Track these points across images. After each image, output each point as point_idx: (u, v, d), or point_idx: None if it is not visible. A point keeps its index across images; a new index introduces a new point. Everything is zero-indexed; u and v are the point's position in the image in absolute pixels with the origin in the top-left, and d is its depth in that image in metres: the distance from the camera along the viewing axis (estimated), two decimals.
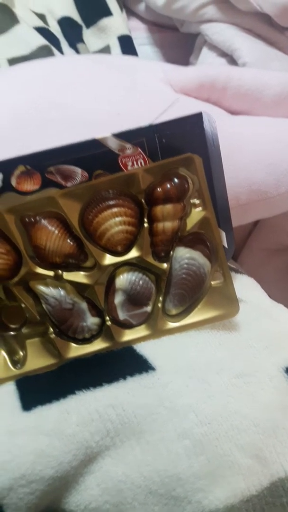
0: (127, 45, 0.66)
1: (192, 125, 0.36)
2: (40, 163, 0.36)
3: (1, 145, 0.40)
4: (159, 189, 0.35)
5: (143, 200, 0.35)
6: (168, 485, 0.30)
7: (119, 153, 0.37)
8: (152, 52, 0.69)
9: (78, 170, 0.37)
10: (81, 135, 0.38)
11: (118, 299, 0.36)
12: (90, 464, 0.32)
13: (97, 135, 0.36)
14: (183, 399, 0.32)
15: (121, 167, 0.37)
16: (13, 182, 0.37)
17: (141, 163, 0.37)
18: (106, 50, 0.66)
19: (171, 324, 0.35)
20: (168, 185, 0.35)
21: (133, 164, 0.37)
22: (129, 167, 0.37)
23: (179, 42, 0.69)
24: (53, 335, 0.36)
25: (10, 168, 0.36)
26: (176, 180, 0.35)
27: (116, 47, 0.66)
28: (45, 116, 0.40)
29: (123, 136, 0.36)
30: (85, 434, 0.31)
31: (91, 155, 0.37)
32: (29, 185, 0.37)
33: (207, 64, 0.59)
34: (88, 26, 0.67)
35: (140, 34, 0.70)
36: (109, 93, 0.41)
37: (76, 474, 0.31)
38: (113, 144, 0.36)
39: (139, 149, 0.37)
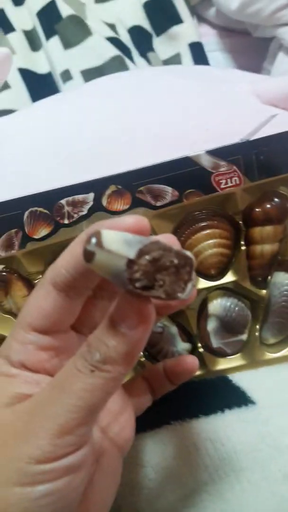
0: (198, 52, 0.64)
1: None
2: (131, 182, 0.36)
3: (87, 162, 0.39)
4: (258, 209, 0.33)
5: (240, 221, 0.34)
6: None
7: (212, 171, 0.35)
8: (223, 58, 0.67)
9: (169, 189, 0.36)
10: (169, 152, 0.36)
11: (211, 325, 0.34)
12: (186, 498, 0.30)
13: (190, 152, 0.35)
14: (287, 437, 0.30)
15: (213, 185, 0.35)
16: (104, 201, 0.36)
17: (235, 181, 0.35)
18: (176, 57, 0.65)
19: (269, 354, 0.33)
20: (268, 205, 0.33)
21: (227, 182, 0.35)
22: (222, 185, 0.35)
23: (251, 47, 0.67)
24: (143, 359, 0.35)
25: (101, 187, 0.36)
26: (276, 199, 0.33)
27: (187, 54, 0.64)
28: (131, 132, 0.39)
29: (217, 153, 0.35)
30: (182, 467, 0.30)
31: (182, 173, 0.35)
32: (119, 205, 0.36)
33: (285, 70, 0.57)
34: (158, 34, 0.65)
35: (210, 40, 0.68)
36: (197, 107, 0.40)
37: (171, 508, 0.30)
38: (207, 162, 0.35)
39: (234, 167, 0.35)
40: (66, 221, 0.37)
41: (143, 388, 0.29)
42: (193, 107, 0.40)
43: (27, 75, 0.63)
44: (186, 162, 0.35)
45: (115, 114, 0.40)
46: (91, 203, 0.36)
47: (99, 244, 0.17)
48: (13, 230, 0.37)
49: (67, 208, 0.37)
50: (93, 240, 0.17)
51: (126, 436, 0.26)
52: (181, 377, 0.29)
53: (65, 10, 0.63)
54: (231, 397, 0.32)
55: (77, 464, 0.19)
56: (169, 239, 0.21)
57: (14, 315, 0.36)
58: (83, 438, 0.19)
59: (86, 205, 0.36)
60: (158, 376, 0.29)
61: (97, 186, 0.36)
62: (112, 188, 0.36)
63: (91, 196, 0.36)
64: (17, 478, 0.18)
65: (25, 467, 0.18)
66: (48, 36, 0.63)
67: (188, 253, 0.18)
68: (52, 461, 0.18)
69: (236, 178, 0.35)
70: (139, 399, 0.28)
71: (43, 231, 0.37)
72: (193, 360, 0.28)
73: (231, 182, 0.35)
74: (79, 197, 0.36)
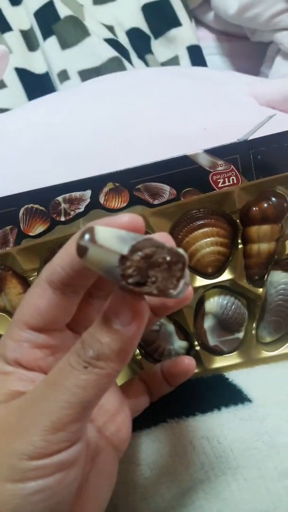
0: (196, 55, 0.65)
1: None
2: (129, 180, 0.36)
3: (85, 160, 0.39)
4: (255, 208, 0.33)
5: (237, 220, 0.34)
6: None
7: (210, 170, 0.35)
8: (221, 62, 0.68)
9: (167, 188, 0.36)
10: (166, 151, 0.37)
11: (208, 323, 0.34)
12: (183, 497, 0.30)
13: (188, 151, 0.35)
14: (284, 435, 0.30)
15: (211, 184, 0.36)
16: (101, 199, 0.36)
17: (233, 180, 0.35)
18: (174, 60, 0.65)
19: (266, 353, 0.33)
20: (265, 204, 0.33)
21: (224, 181, 0.35)
22: (220, 184, 0.35)
23: (249, 51, 0.67)
24: (139, 357, 0.35)
25: (99, 184, 0.36)
26: (273, 199, 0.33)
27: (185, 57, 0.65)
28: (129, 131, 0.40)
29: (215, 152, 0.35)
30: (178, 466, 0.30)
31: (180, 172, 0.35)
32: (116, 202, 0.36)
33: (283, 75, 0.57)
34: (156, 37, 0.66)
35: (208, 43, 0.69)
36: (195, 107, 0.40)
37: (168, 507, 0.30)
38: (204, 161, 0.35)
39: (232, 166, 0.35)
40: (62, 218, 0.37)
41: (140, 389, 0.29)
42: (190, 107, 0.40)
43: (24, 75, 0.63)
44: (184, 161, 0.35)
45: (112, 113, 0.40)
46: (88, 201, 0.36)
47: (92, 239, 0.17)
48: (8, 227, 0.36)
49: (63, 205, 0.36)
50: (86, 235, 0.17)
51: (122, 436, 0.26)
52: (178, 378, 0.29)
53: (63, 10, 0.63)
54: (228, 395, 0.32)
55: (70, 460, 0.19)
56: (163, 238, 0.21)
57: (8, 313, 0.36)
58: (76, 435, 0.19)
59: (83, 203, 0.36)
60: (155, 378, 0.29)
61: (94, 183, 0.36)
62: (110, 185, 0.36)
63: (88, 193, 0.36)
64: (9, 474, 0.18)
65: (17, 463, 0.18)
66: (46, 36, 0.63)
67: (181, 251, 0.18)
68: (44, 457, 0.18)
69: (233, 177, 0.35)
70: (136, 400, 0.28)
71: (39, 228, 0.37)
72: (190, 361, 0.29)
73: (229, 181, 0.35)
74: (76, 194, 0.36)
